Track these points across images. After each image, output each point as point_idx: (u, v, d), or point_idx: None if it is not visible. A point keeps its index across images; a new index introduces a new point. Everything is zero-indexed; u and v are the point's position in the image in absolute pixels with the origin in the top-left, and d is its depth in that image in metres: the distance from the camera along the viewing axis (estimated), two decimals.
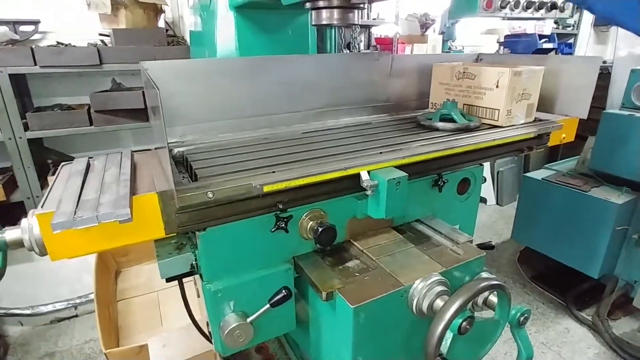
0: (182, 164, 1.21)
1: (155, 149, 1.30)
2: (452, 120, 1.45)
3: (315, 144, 1.30)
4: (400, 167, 1.11)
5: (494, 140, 1.33)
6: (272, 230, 1.07)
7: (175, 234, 1.03)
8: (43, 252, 0.91)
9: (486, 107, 1.50)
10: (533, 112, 1.55)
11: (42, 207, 0.91)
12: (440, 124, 1.44)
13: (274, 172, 1.02)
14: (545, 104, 1.62)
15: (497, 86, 1.44)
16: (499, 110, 1.46)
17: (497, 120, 1.47)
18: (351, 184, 1.09)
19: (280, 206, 1.02)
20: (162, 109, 0.85)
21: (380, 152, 1.17)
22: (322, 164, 1.08)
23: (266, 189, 0.95)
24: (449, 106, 1.49)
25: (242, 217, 1.02)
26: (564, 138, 1.70)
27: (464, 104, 1.58)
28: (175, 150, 1.27)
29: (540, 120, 1.57)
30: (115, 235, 0.93)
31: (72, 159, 1.23)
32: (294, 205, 1.06)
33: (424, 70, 1.75)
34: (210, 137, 1.38)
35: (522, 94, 1.47)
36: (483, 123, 1.50)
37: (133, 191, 0.97)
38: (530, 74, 1.46)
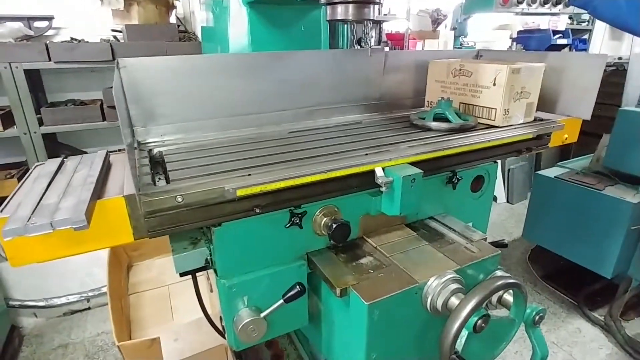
0: (160, 164, 1.15)
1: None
2: (447, 120, 1.40)
3: (300, 144, 1.25)
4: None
5: (488, 141, 1.27)
6: (287, 226, 1.07)
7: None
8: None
9: (483, 106, 1.44)
10: (533, 111, 1.49)
11: (1, 211, 0.87)
12: (434, 124, 1.38)
13: (249, 174, 0.98)
14: (546, 103, 1.55)
15: (494, 84, 1.37)
16: (496, 109, 1.39)
17: (494, 120, 1.41)
18: (337, 187, 1.06)
19: (258, 210, 0.97)
20: (119, 110, 0.79)
21: (366, 154, 1.13)
22: (303, 166, 1.04)
23: (240, 192, 0.91)
24: (443, 105, 1.43)
25: (218, 220, 0.97)
26: (566, 139, 1.63)
27: (460, 103, 1.52)
28: (155, 150, 1.22)
29: (541, 120, 1.51)
30: (80, 240, 0.89)
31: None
32: (270, 210, 1.00)
33: (420, 67, 1.68)
34: (193, 136, 1.33)
35: (521, 92, 1.40)
36: (479, 123, 1.44)
37: (100, 194, 0.93)
38: (529, 71, 1.39)
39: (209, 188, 0.90)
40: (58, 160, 1.15)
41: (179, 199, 0.87)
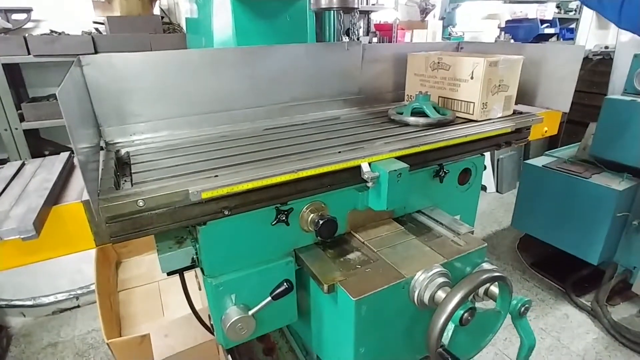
0: (129, 165, 1.10)
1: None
2: (424, 115, 1.38)
3: (273, 142, 1.23)
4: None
5: (466, 136, 1.25)
6: (273, 223, 1.06)
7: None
8: None
9: (461, 100, 1.42)
10: (511, 104, 1.47)
11: None
12: (412, 119, 1.36)
13: (216, 175, 0.94)
14: (526, 96, 1.53)
15: (471, 77, 1.35)
16: (474, 103, 1.37)
17: (473, 114, 1.39)
18: (315, 185, 1.04)
19: (226, 212, 0.93)
20: (66, 111, 0.74)
21: (339, 152, 1.11)
22: (274, 165, 1.01)
23: (205, 195, 0.87)
24: (421, 99, 1.41)
25: (187, 223, 0.93)
26: (546, 131, 1.62)
27: (439, 97, 1.50)
28: (123, 150, 1.17)
29: (521, 113, 1.49)
30: (35, 249, 0.86)
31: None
32: (241, 211, 0.97)
33: (399, 61, 1.65)
34: (164, 135, 1.29)
35: (499, 85, 1.38)
36: (458, 117, 1.42)
37: (56, 200, 0.89)
38: (507, 64, 1.37)
39: (173, 191, 0.86)
40: (18, 163, 1.09)
41: (141, 203, 0.83)
